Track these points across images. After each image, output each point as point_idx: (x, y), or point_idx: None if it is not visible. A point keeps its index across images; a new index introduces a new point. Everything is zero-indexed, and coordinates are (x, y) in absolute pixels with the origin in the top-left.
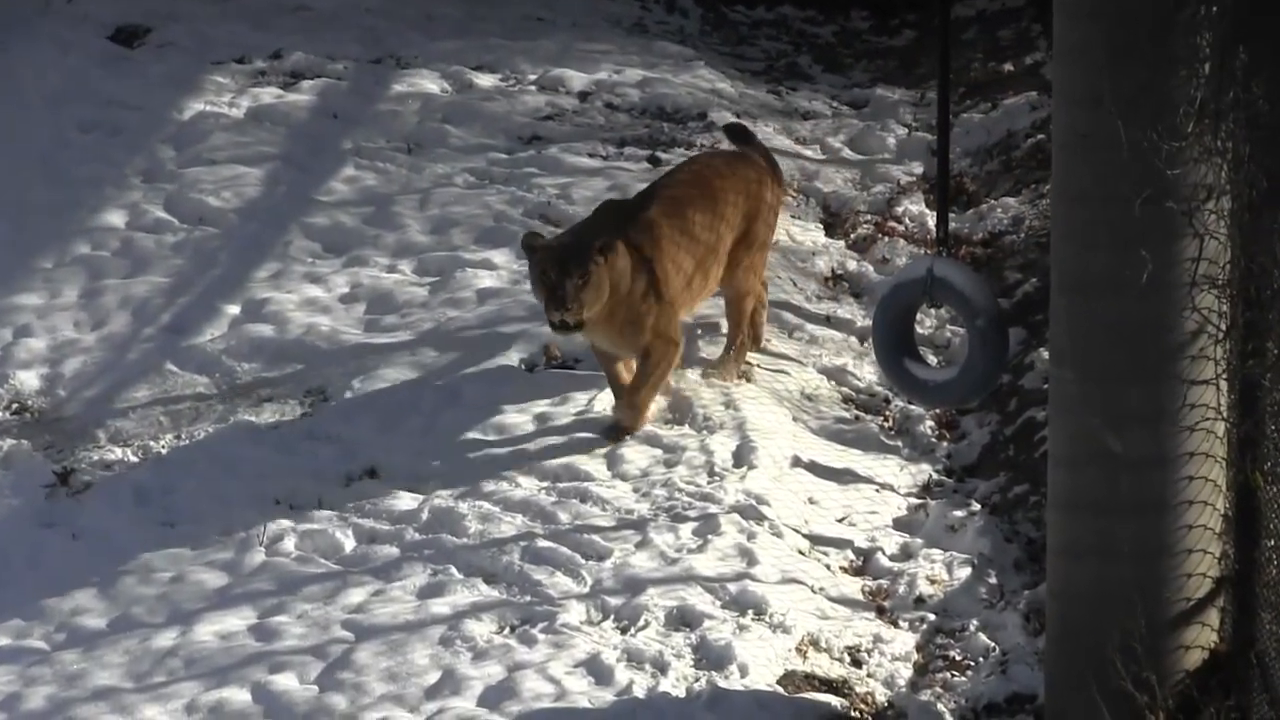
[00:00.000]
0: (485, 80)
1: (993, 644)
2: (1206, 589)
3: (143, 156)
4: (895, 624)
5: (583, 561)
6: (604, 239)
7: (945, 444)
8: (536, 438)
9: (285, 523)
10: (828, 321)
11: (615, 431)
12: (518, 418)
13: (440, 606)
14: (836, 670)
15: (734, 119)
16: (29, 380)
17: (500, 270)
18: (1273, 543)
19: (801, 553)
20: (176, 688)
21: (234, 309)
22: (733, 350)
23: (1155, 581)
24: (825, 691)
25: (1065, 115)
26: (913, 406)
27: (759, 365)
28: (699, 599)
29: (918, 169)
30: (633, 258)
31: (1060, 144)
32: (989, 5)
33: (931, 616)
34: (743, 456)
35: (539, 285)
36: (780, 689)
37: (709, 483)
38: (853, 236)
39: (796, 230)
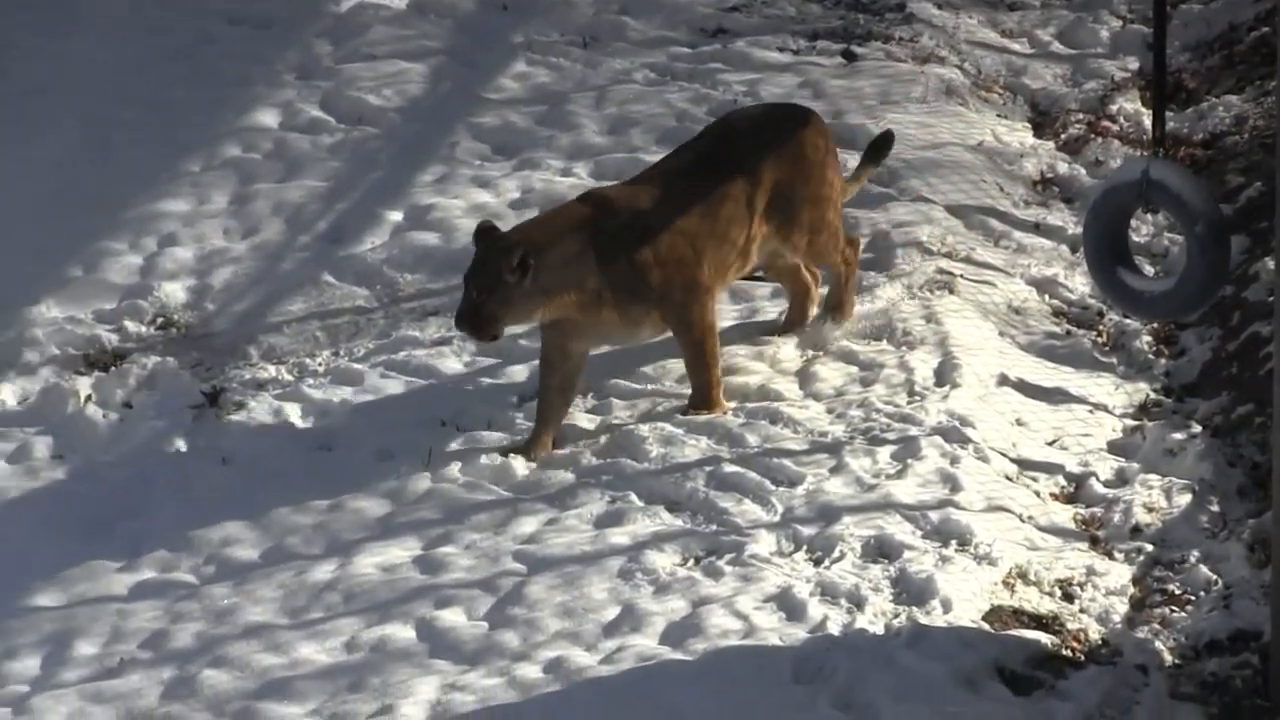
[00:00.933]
0: None
1: (1215, 577)
2: None
3: (296, 51)
4: (1110, 555)
5: (772, 488)
6: (524, 249)
7: (1163, 361)
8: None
9: (453, 446)
10: (1036, 229)
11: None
12: None
13: (619, 536)
14: (1046, 605)
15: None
16: (175, 293)
17: None
18: None
19: (1008, 478)
20: (335, 624)
21: (396, 215)
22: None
23: None
24: (1034, 628)
25: None
26: (1128, 320)
27: (962, 276)
28: (898, 528)
29: (1133, 64)
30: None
31: None
32: None
33: (1149, 547)
34: (945, 374)
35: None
36: (986, 625)
37: (909, 403)
38: (1063, 137)
39: (1003, 130)
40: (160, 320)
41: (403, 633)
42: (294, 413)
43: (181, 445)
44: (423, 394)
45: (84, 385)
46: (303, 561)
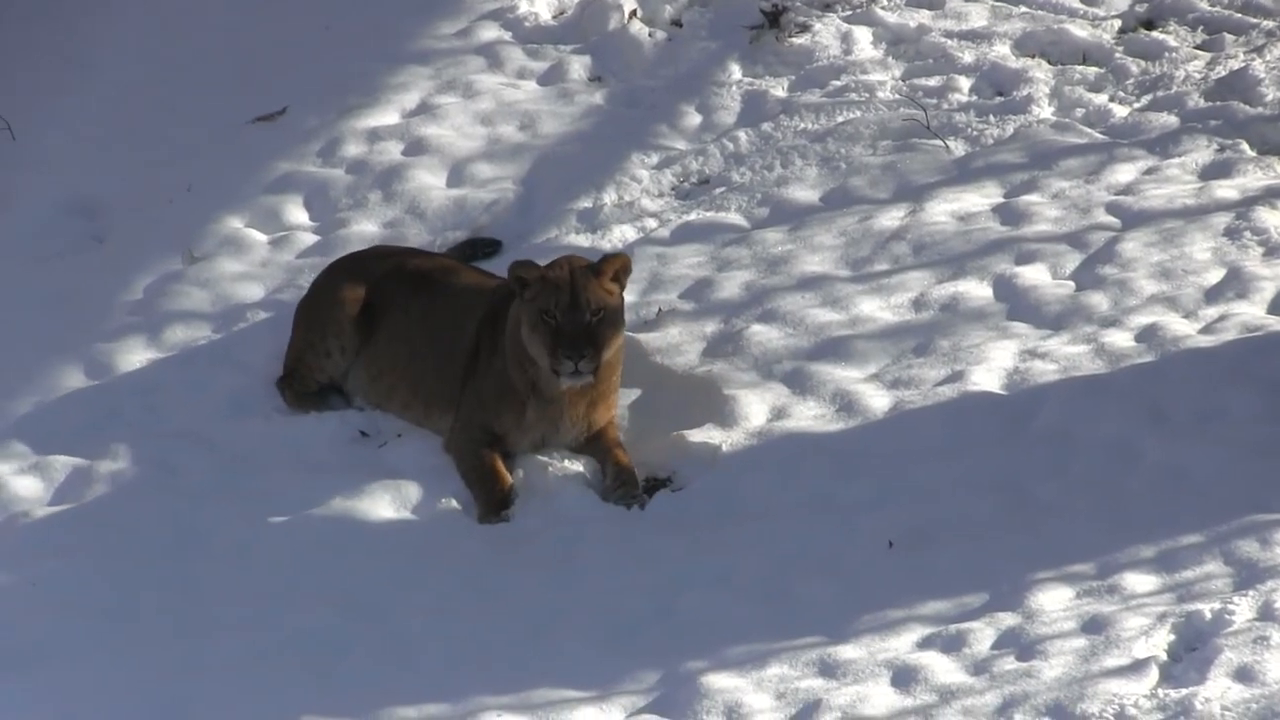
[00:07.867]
0: None
1: None
2: None
3: None
4: None
5: None
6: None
7: None
8: None
9: (1038, 74)
10: None
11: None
12: None
13: (1226, 190)
14: None
15: None
16: None
17: None
18: None
19: None
20: (902, 278)
21: None
22: None
23: None
24: None
25: None
26: None
27: None
28: None
29: None
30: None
31: None
32: None
33: None
34: None
35: (541, 327)
36: None
37: None
38: None
39: None
40: None
41: (977, 290)
42: (863, 38)
43: (736, 71)
44: (1011, 21)
45: None
46: (868, 206)
